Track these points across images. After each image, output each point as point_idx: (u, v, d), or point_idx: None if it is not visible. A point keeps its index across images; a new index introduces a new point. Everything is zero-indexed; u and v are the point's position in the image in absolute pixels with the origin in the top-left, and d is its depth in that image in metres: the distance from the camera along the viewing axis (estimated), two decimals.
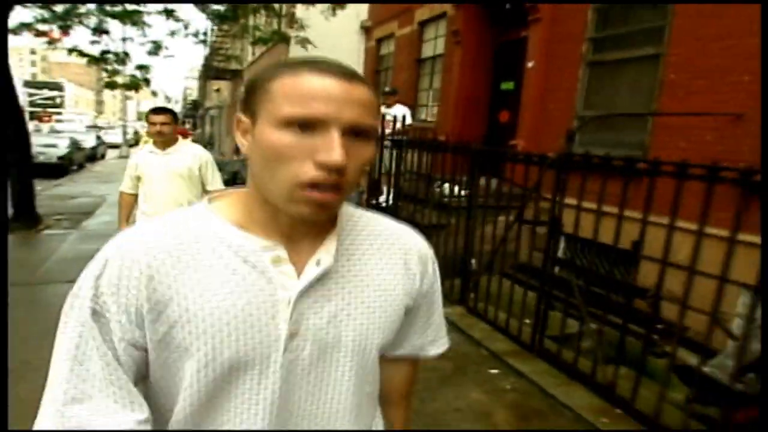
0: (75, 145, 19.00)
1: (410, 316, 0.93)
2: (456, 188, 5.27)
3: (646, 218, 2.94)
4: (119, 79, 10.05)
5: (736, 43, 4.37)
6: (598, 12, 5.92)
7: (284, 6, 10.86)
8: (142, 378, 0.80)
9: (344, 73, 0.72)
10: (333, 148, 0.68)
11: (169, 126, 3.63)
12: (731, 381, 2.52)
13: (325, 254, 0.81)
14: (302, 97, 0.69)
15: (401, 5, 10.50)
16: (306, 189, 0.70)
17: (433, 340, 1.00)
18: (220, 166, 14.54)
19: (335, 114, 0.69)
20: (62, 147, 17.45)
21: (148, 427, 0.77)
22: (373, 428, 0.96)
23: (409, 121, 7.87)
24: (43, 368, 3.03)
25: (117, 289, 0.74)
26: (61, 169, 16.28)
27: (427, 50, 10.10)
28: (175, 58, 11.35)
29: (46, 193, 11.10)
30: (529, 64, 6.85)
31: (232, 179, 13.64)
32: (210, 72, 26.21)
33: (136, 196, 3.82)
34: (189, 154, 3.74)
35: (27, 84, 67.10)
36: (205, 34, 11.07)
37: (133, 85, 10.09)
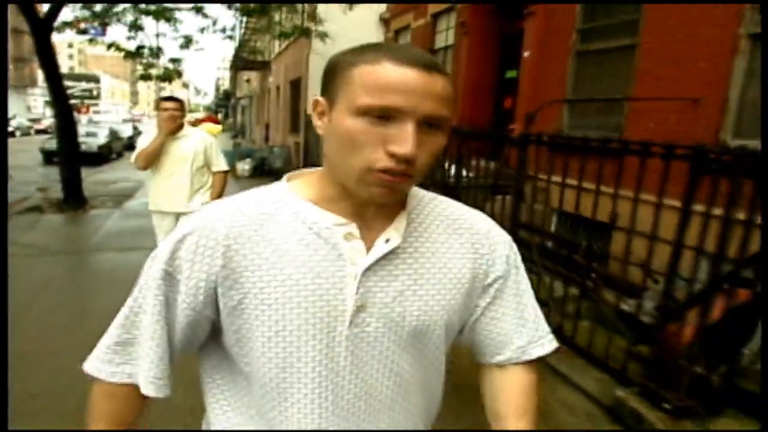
0: (113, 134, 20.04)
1: (495, 305, 0.92)
2: (462, 170, 5.83)
3: (581, 185, 3.57)
4: (153, 72, 10.85)
5: (695, 33, 4.82)
6: (585, 5, 6.42)
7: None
8: (215, 344, 0.88)
9: (424, 63, 0.72)
10: (406, 140, 0.69)
11: (178, 112, 3.87)
12: (638, 314, 3.13)
13: (394, 232, 0.83)
14: (380, 87, 0.70)
15: None
16: (376, 172, 0.72)
17: (534, 340, 0.95)
18: (249, 153, 15.35)
19: (412, 106, 0.70)
20: (102, 137, 18.50)
21: (161, 384, 0.84)
22: (432, 411, 0.97)
23: None
24: (95, 317, 4.27)
25: (194, 255, 0.79)
26: (101, 157, 17.30)
27: (440, 41, 10.60)
28: (206, 52, 12.16)
29: (90, 179, 12.10)
30: (525, 54, 7.37)
31: (260, 164, 14.53)
32: (240, 63, 27.15)
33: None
34: (195, 138, 3.99)
35: (65, 77, 68.90)
36: (233, 29, 11.80)
37: (166, 76, 10.89)
